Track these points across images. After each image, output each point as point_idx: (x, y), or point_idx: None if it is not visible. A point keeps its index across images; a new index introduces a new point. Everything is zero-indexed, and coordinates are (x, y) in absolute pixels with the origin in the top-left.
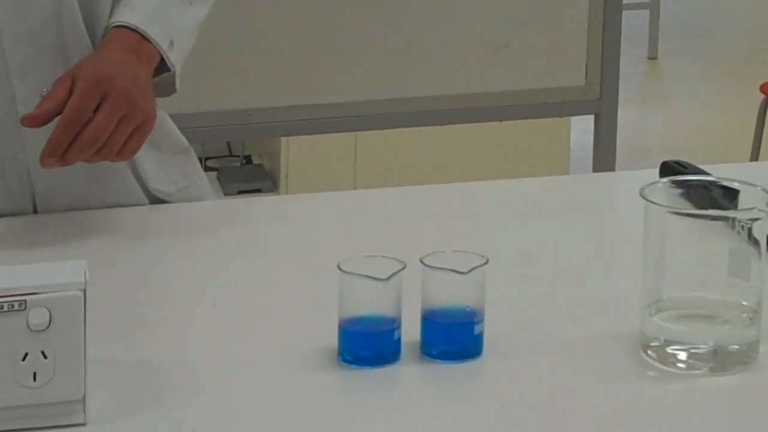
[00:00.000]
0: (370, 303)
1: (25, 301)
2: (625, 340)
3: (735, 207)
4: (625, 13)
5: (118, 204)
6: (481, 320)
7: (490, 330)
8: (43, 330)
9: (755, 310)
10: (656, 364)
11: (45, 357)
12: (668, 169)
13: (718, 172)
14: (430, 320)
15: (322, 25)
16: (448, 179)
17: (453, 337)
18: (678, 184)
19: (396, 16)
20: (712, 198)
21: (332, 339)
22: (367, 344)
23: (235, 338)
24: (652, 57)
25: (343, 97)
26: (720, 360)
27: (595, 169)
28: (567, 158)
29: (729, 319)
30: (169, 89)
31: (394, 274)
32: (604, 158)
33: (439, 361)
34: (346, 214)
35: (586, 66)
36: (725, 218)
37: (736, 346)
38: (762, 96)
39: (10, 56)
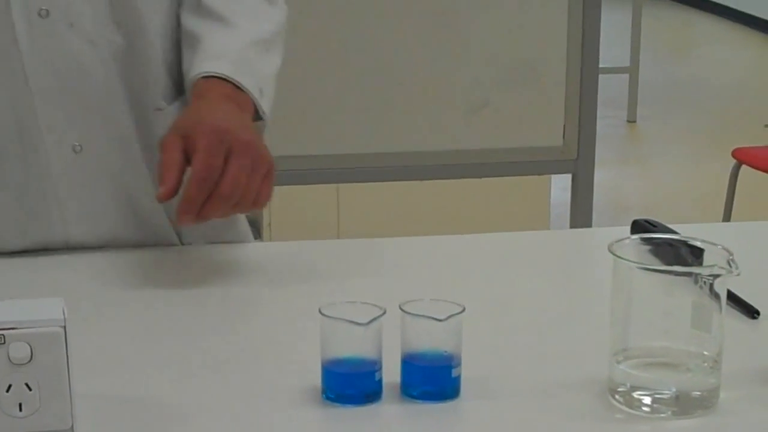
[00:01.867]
0: (351, 346)
1: (3, 335)
2: (594, 385)
3: (699, 264)
4: (605, 77)
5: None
6: (459, 364)
7: (469, 373)
8: (25, 363)
9: (715, 359)
10: (623, 407)
11: (30, 389)
12: (639, 227)
13: (687, 232)
14: (410, 363)
15: (307, 79)
16: (432, 233)
17: (432, 379)
18: (646, 241)
19: (381, 73)
20: (678, 255)
21: (317, 379)
22: (349, 383)
23: (221, 377)
24: (631, 120)
25: (326, 149)
26: (682, 405)
27: (572, 225)
28: (547, 214)
29: (691, 368)
30: None
31: (374, 319)
32: (580, 215)
33: (419, 401)
34: (328, 262)
35: (564, 127)
36: (689, 274)
37: (697, 393)
38: (734, 161)
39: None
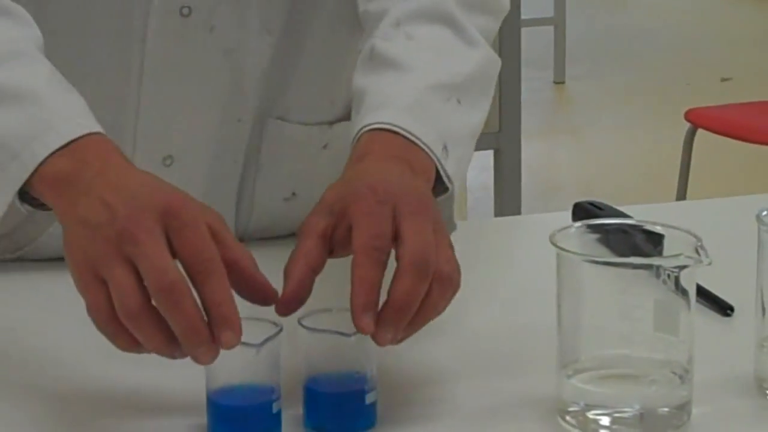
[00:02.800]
0: (241, 372)
1: None
2: (539, 405)
3: (660, 253)
4: (526, 30)
5: None
6: (374, 388)
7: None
8: None
9: (685, 368)
10: (576, 431)
11: None
12: (582, 211)
13: (640, 214)
14: (313, 389)
15: None
16: None
17: (340, 408)
18: (594, 228)
19: None
20: (634, 244)
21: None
22: (240, 417)
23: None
24: (559, 81)
25: None
26: (648, 425)
27: (498, 213)
28: (464, 200)
29: (656, 379)
30: None
31: (269, 339)
32: (507, 200)
33: None
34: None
35: None
36: (649, 266)
37: (665, 409)
38: (688, 124)
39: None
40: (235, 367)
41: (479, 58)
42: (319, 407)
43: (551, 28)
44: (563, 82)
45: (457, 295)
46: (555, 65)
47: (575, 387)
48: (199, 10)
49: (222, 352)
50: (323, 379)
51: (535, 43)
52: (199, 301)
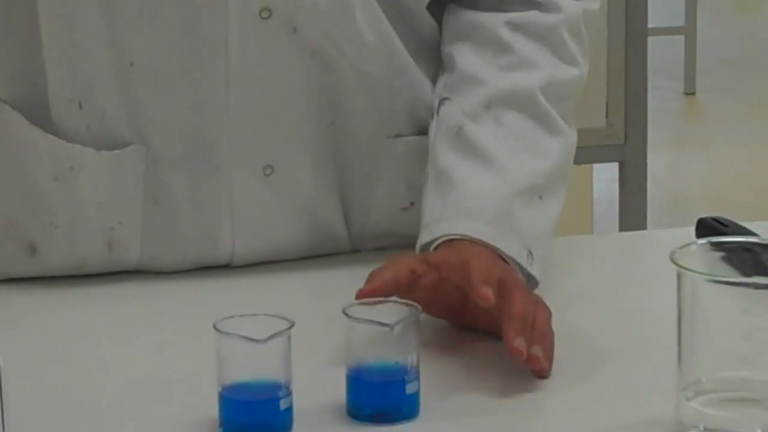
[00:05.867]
0: (251, 368)
1: None
2: (657, 429)
3: None
4: (655, 39)
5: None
6: (415, 378)
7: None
8: None
9: None
10: None
11: None
12: (706, 227)
13: (767, 232)
14: (355, 378)
15: None
16: None
17: (381, 397)
18: (717, 246)
19: None
20: (759, 262)
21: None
22: (247, 413)
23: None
24: (689, 92)
25: None
26: None
27: (623, 227)
28: (590, 213)
29: None
30: None
31: (277, 334)
32: (632, 214)
33: (368, 424)
34: None
35: (607, 104)
36: None
37: None
38: None
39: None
40: (245, 362)
41: (561, 150)
42: (361, 396)
43: (681, 37)
44: (694, 93)
45: (576, 308)
46: (685, 75)
47: (695, 410)
48: (279, 12)
49: (232, 348)
50: (364, 369)
51: (665, 52)
52: None
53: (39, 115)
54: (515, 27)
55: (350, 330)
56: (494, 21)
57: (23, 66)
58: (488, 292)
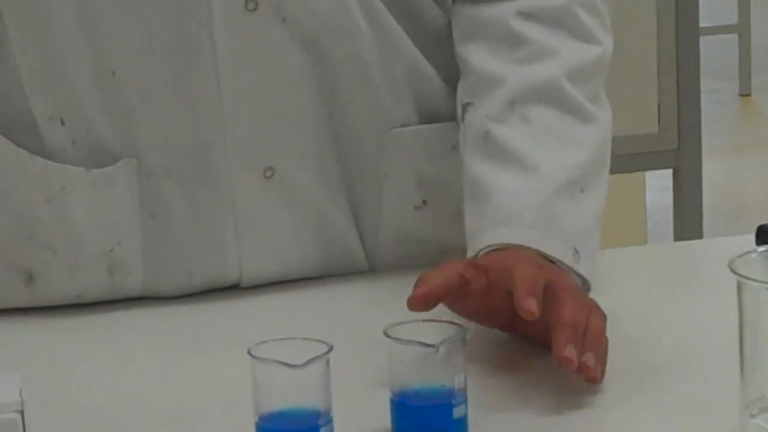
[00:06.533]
0: (286, 395)
1: None
2: None
3: None
4: (707, 38)
5: None
6: (463, 402)
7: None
8: None
9: None
10: None
11: None
12: (766, 234)
13: None
14: (399, 402)
15: None
16: None
17: (427, 421)
18: None
19: None
20: None
21: None
22: None
23: None
24: (745, 93)
25: None
26: None
27: (678, 236)
28: (643, 223)
29: None
30: None
31: (314, 359)
32: (687, 222)
33: None
34: None
35: (659, 108)
36: None
37: None
38: None
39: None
40: (282, 389)
41: (595, 136)
42: (406, 420)
43: (735, 35)
44: (749, 95)
45: (631, 320)
46: (740, 76)
47: (760, 427)
48: (266, 2)
49: (268, 374)
50: (409, 392)
51: (718, 52)
52: None
53: (27, 135)
54: (527, 16)
55: (392, 352)
56: (504, 13)
57: (1, 85)
58: (532, 305)
